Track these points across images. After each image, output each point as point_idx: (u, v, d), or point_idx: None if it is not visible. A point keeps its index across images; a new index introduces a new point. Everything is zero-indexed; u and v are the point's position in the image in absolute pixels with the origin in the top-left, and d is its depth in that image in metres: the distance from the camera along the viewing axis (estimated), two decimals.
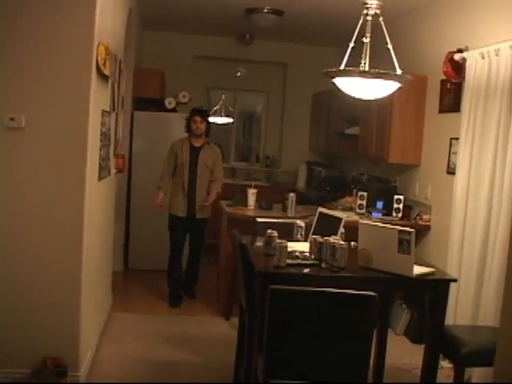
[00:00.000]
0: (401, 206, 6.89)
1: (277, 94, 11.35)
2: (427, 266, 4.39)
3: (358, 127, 8.12)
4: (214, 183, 7.21)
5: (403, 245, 3.98)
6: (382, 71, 4.22)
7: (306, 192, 9.67)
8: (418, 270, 4.15)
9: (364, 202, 7.08)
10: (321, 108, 10.15)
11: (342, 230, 4.64)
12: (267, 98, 11.53)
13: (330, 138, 9.57)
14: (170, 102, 8.71)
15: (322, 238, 4.34)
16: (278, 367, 3.43)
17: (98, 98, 4.81)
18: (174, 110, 8.76)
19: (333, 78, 4.38)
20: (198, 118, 7.13)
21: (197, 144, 7.17)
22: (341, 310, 3.31)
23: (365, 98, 4.51)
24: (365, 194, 7.13)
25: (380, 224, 4.38)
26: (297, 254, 4.38)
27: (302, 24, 8.84)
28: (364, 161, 8.71)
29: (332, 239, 4.25)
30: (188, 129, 7.19)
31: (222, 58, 10.80)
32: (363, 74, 4.24)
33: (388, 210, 6.96)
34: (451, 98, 6.23)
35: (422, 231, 6.68)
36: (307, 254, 4.40)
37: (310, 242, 4.43)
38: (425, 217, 6.67)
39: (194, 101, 9.08)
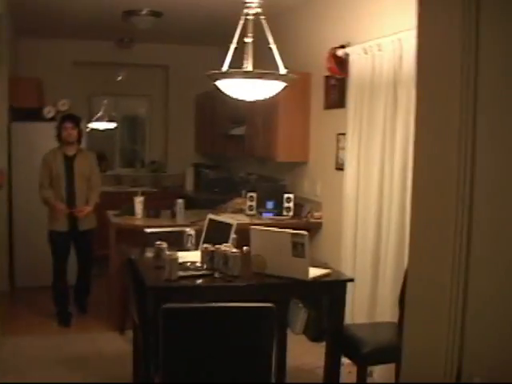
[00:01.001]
0: (291, 204, 6.82)
1: (160, 96, 11.16)
2: (323, 267, 4.32)
3: (244, 127, 8.04)
4: (91, 192, 6.84)
5: (297, 248, 3.89)
6: (266, 71, 4.16)
7: (194, 195, 9.54)
8: (313, 272, 4.08)
9: (254, 203, 6.99)
10: (205, 109, 10.04)
11: (233, 235, 4.51)
12: (150, 101, 11.31)
13: (216, 139, 9.47)
14: (48, 111, 8.34)
15: (213, 246, 4.21)
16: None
17: None
18: (53, 120, 8.41)
19: (215, 80, 4.27)
20: (69, 125, 6.71)
21: (70, 152, 6.76)
22: (237, 324, 3.19)
23: (250, 99, 4.42)
24: (254, 194, 7.04)
25: (272, 228, 4.26)
26: (188, 264, 4.23)
27: (182, 25, 8.68)
28: (252, 160, 8.64)
29: (223, 247, 4.13)
30: (59, 137, 6.77)
31: (102, 63, 10.48)
32: (246, 74, 4.17)
33: (279, 209, 6.88)
34: (336, 93, 6.22)
35: (314, 228, 6.66)
36: (199, 264, 4.25)
37: (202, 252, 4.29)
38: (316, 214, 6.66)
39: (75, 108, 8.74)
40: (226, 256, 4.05)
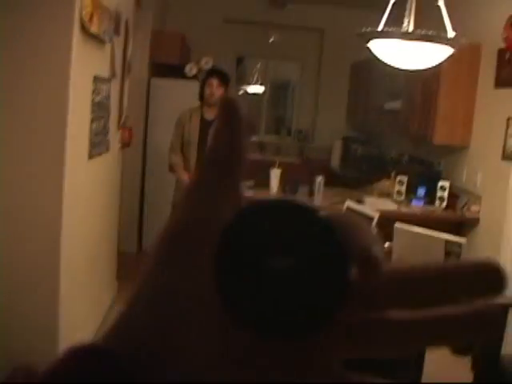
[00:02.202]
0: (445, 194, 6.06)
1: (312, 62, 10.46)
2: None
3: (400, 102, 7.31)
4: None
5: (451, 258, 3.13)
6: (430, 33, 3.39)
7: (340, 171, 8.94)
8: None
9: (403, 188, 6.25)
10: (360, 79, 9.28)
11: (375, 230, 3.79)
12: (302, 67, 10.68)
13: (369, 113, 8.76)
14: (190, 69, 7.85)
15: None
16: None
17: (87, 61, 4.07)
18: (196, 78, 7.91)
19: (369, 41, 3.55)
20: (215, 81, 5.80)
21: (209, 116, 5.84)
22: None
23: (406, 67, 3.67)
24: (405, 178, 6.30)
25: (422, 230, 3.47)
26: None
27: None
28: (405, 140, 7.87)
29: None
30: (201, 95, 5.94)
31: (254, 23, 9.93)
32: (406, 35, 3.42)
33: (430, 198, 6.15)
34: (511, 70, 5.42)
35: (469, 224, 5.92)
36: None
37: None
38: (473, 208, 5.85)
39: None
40: None
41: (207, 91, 5.82)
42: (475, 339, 0.38)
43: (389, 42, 3.42)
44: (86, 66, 4.03)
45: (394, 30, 3.40)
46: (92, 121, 4.36)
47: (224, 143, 0.42)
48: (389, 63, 3.64)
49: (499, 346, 3.40)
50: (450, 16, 3.67)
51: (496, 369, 3.40)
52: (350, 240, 0.37)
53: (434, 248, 3.19)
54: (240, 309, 0.37)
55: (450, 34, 3.57)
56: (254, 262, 0.37)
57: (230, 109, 0.42)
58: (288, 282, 0.37)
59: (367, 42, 3.59)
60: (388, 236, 3.85)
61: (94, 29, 3.90)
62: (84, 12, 3.67)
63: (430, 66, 3.62)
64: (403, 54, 3.51)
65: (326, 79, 10.28)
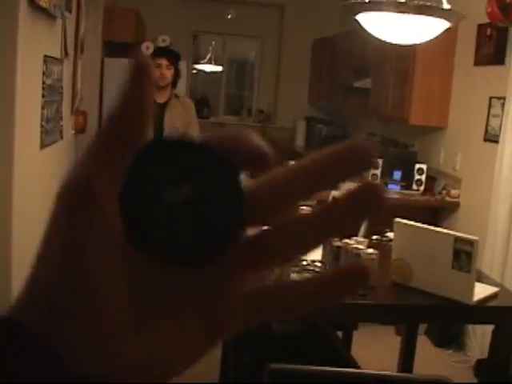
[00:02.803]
0: (423, 177, 5.85)
1: (272, 39, 10.36)
2: (486, 283, 3.18)
3: (369, 80, 7.15)
4: None
5: (460, 258, 2.76)
6: (427, 4, 3.21)
7: (304, 153, 8.62)
8: (477, 291, 2.94)
9: (378, 172, 5.94)
10: (323, 57, 9.19)
11: (365, 226, 3.41)
12: (261, 44, 10.55)
13: (334, 92, 8.64)
14: (147, 47, 7.46)
15: (340, 240, 3.10)
16: None
17: (35, 39, 3.76)
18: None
19: (356, 13, 3.26)
20: (164, 62, 5.54)
21: (160, 99, 5.49)
22: None
23: (400, 42, 3.47)
24: (379, 161, 6.00)
25: (427, 226, 3.09)
26: (305, 263, 3.13)
27: None
28: (373, 119, 7.72)
29: (354, 243, 3.03)
30: None
31: None
32: (400, 7, 3.17)
33: (407, 181, 5.92)
34: (492, 46, 5.28)
35: (449, 209, 5.79)
36: (319, 264, 3.14)
37: (324, 247, 3.18)
38: (453, 192, 5.69)
39: (178, 46, 7.95)
40: (358, 257, 2.95)
41: (156, 73, 5.43)
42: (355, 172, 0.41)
43: (381, 14, 3.12)
44: (35, 45, 3.73)
45: (387, 1, 3.09)
46: (43, 106, 4.05)
47: (126, 100, 0.42)
48: (379, 36, 3.33)
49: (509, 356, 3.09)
50: None
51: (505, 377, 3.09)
52: (238, 149, 0.41)
53: (440, 247, 2.83)
54: (144, 238, 0.39)
55: (445, 5, 3.30)
56: (154, 194, 0.39)
57: (139, 68, 0.42)
58: (187, 210, 0.39)
59: (355, 14, 3.24)
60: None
61: (43, 2, 3.50)
62: None
63: (425, 39, 3.35)
64: (397, 26, 3.24)
65: (286, 57, 10.18)
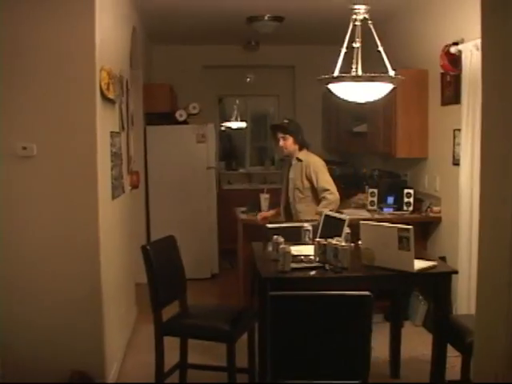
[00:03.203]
0: (411, 199, 6.95)
1: (287, 96, 11.42)
2: (431, 260, 4.55)
3: (366, 125, 8.19)
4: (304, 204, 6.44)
5: (403, 242, 4.14)
6: (374, 74, 4.38)
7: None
8: (419, 264, 4.32)
9: (375, 199, 7.18)
10: (330, 107, 10.11)
11: (346, 230, 4.79)
12: (278, 100, 11.64)
13: (341, 136, 9.59)
14: (180, 115, 8.85)
15: (325, 240, 4.50)
16: (282, 368, 3.58)
17: (105, 121, 4.98)
18: (185, 122, 8.90)
19: (327, 84, 4.53)
20: (279, 135, 6.42)
21: (292, 161, 6.54)
22: (338, 311, 3.47)
23: (359, 101, 4.65)
24: (375, 190, 7.21)
25: (380, 223, 4.53)
26: (302, 257, 4.56)
27: (304, 27, 8.97)
28: (375, 157, 8.78)
29: (334, 241, 4.41)
30: None
31: (231, 66, 10.93)
32: (355, 78, 4.40)
33: (399, 204, 7.04)
34: (452, 90, 6.29)
35: (434, 223, 6.82)
36: (312, 257, 4.57)
37: (314, 245, 4.59)
38: (435, 208, 6.78)
39: (206, 111, 9.19)
40: (336, 249, 4.34)
41: (277, 146, 6.54)
42: None
43: (343, 84, 4.42)
44: (105, 125, 4.93)
45: (346, 76, 4.38)
46: (112, 168, 5.27)
47: None
48: (344, 98, 4.62)
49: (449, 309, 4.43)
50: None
51: (447, 327, 4.38)
52: None
53: (390, 236, 4.20)
54: None
55: (391, 72, 4.55)
56: None
57: None
58: None
59: (326, 84, 4.57)
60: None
61: (111, 95, 4.91)
62: (103, 83, 4.67)
63: (377, 97, 4.60)
64: (355, 91, 4.49)
65: (300, 109, 11.11)
